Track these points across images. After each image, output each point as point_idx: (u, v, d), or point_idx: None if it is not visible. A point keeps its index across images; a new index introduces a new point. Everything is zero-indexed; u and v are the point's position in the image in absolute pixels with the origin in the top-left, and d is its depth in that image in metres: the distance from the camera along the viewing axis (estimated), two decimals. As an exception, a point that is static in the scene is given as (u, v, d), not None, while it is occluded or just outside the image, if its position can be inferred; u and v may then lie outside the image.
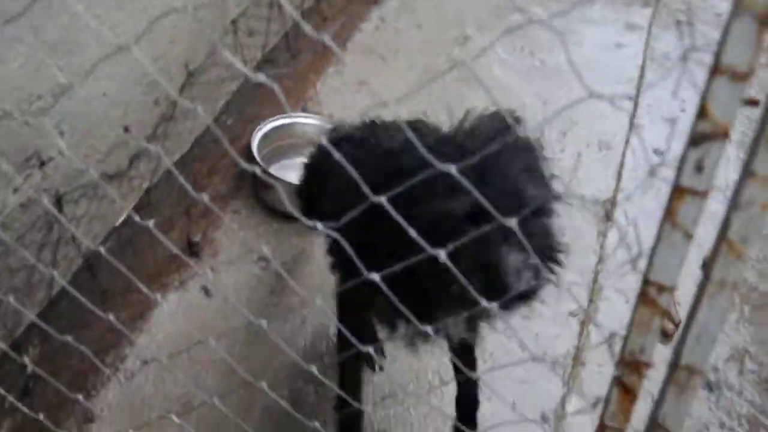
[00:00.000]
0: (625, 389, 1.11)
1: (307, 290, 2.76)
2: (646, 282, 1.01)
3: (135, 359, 2.45)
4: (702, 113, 0.88)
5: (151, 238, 2.44)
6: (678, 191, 0.92)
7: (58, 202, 1.95)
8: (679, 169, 0.91)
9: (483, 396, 2.38)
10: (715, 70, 0.85)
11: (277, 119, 3.05)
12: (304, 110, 3.36)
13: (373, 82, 3.66)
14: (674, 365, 1.07)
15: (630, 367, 1.08)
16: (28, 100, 1.77)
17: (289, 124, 3.09)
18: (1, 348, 1.85)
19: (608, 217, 3.31)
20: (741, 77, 0.84)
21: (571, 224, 3.25)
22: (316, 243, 2.88)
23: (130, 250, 2.34)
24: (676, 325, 2.81)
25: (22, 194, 1.82)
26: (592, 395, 2.43)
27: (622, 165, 3.56)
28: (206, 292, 2.67)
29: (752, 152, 0.89)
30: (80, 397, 1.87)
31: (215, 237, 2.83)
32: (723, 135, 0.88)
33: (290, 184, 2.88)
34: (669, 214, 0.94)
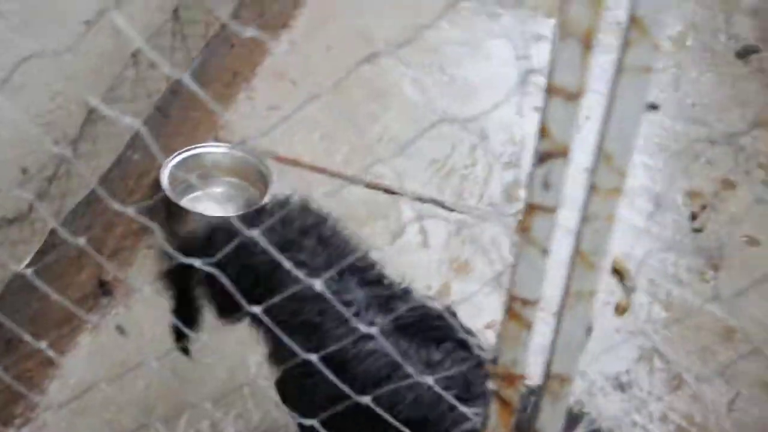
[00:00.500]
0: (503, 402, 1.14)
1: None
2: (511, 297, 1.05)
3: (47, 407, 2.40)
4: (542, 133, 0.93)
5: (58, 280, 2.40)
6: (530, 208, 0.96)
7: (-47, 251, 1.92)
8: (529, 187, 0.95)
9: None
10: (550, 90, 0.90)
11: (187, 150, 3.04)
12: (216, 139, 3.36)
13: (284, 107, 3.67)
14: (546, 375, 1.11)
15: (505, 381, 1.12)
16: None
17: (199, 155, 3.08)
18: None
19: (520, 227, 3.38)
20: (573, 97, 0.89)
21: (487, 237, 3.32)
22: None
23: (36, 295, 2.29)
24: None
25: None
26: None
27: (530, 176, 3.64)
28: (121, 331, 2.64)
29: (594, 167, 0.93)
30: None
31: (128, 275, 2.79)
32: (563, 153, 0.93)
33: (200, 214, 2.88)
34: (524, 230, 0.98)
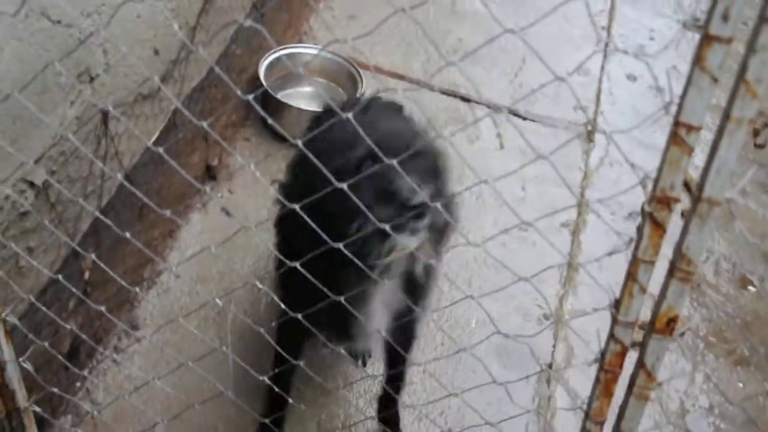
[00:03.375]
0: (656, 224, 1.32)
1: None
2: (676, 124, 1.21)
3: (169, 274, 2.62)
4: (727, -30, 1.08)
5: (177, 159, 2.60)
6: (706, 39, 1.12)
7: (104, 118, 2.10)
8: (707, 20, 1.11)
9: (491, 299, 2.61)
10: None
11: (281, 50, 3.20)
12: (300, 43, 3.50)
13: (362, 16, 3.81)
14: (697, 199, 1.28)
15: (661, 203, 1.29)
16: (81, 16, 1.91)
17: (292, 55, 3.24)
18: (64, 253, 2.02)
19: (590, 137, 3.54)
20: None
21: (556, 144, 3.47)
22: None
23: (161, 170, 2.49)
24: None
25: (76, 108, 1.96)
26: (588, 301, 2.67)
27: (599, 90, 3.79)
28: (226, 212, 2.84)
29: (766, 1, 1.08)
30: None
31: (230, 162, 2.98)
32: (745, -12, 1.08)
33: (298, 109, 3.06)
34: (698, 60, 1.14)
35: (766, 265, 3.01)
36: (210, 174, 2.89)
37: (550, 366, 2.55)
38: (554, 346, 2.63)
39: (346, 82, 3.27)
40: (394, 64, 3.63)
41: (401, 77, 3.56)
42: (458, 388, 2.44)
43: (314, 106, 3.19)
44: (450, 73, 3.67)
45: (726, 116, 1.20)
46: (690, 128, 1.22)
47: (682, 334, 2.77)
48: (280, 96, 3.15)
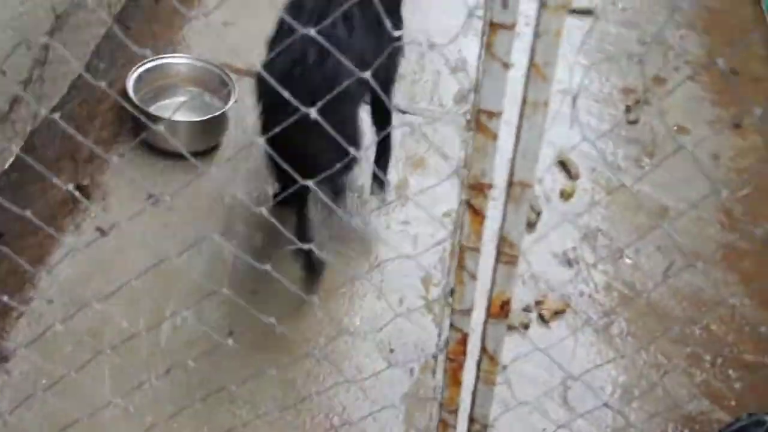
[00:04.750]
0: (474, 211, 1.35)
1: (201, 222, 2.91)
2: (478, 112, 1.24)
3: (40, 300, 2.55)
4: (501, -39, 1.11)
5: (41, 182, 2.53)
6: (492, 27, 1.15)
7: (-54, 145, 2.03)
8: (489, 9, 1.14)
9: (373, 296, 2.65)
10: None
11: (149, 61, 3.14)
12: (174, 53, 3.45)
13: (237, 22, 3.78)
14: (509, 184, 1.31)
15: (476, 190, 1.32)
16: None
17: (161, 65, 3.19)
18: None
19: (469, 126, 3.59)
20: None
21: (438, 136, 3.52)
22: (203, 177, 2.99)
23: (21, 194, 2.42)
24: (538, 214, 3.13)
25: None
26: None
27: (477, 79, 3.84)
28: (101, 231, 2.78)
29: (542, -12, 1.12)
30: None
31: (102, 180, 2.92)
32: (518, -23, 1.11)
33: (170, 120, 3.02)
34: (487, 48, 1.17)
35: (640, 236, 3.11)
36: (83, 194, 2.82)
37: (434, 357, 2.58)
38: (439, 336, 2.66)
39: (219, 90, 3.24)
40: (271, 68, 3.61)
41: (279, 81, 3.54)
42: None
43: (188, 117, 3.16)
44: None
45: (523, 101, 1.23)
46: (491, 114, 1.25)
47: (563, 312, 2.84)
48: (154, 108, 3.10)
